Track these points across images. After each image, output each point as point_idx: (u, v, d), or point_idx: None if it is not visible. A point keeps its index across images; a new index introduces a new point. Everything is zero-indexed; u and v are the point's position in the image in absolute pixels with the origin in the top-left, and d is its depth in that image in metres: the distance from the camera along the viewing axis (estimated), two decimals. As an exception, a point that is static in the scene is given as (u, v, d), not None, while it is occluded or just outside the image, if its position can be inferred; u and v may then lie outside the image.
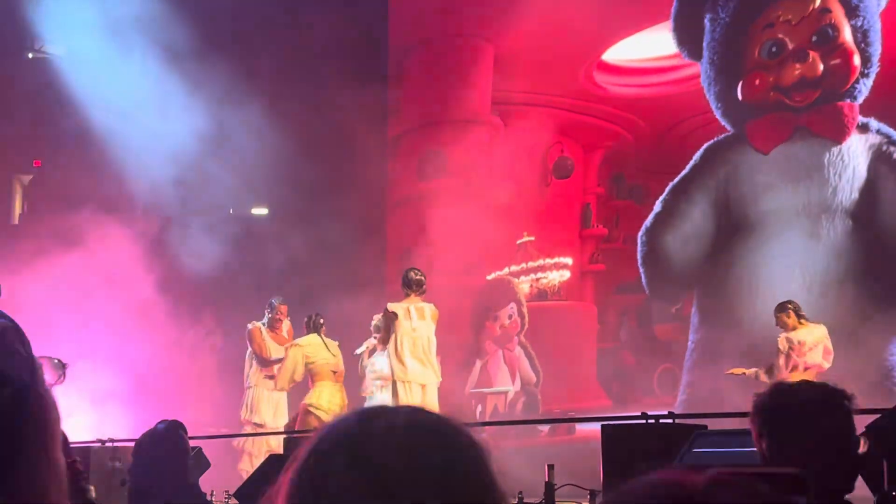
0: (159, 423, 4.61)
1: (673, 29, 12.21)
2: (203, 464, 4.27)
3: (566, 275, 13.05)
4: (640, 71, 12.79)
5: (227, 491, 8.19)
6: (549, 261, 13.13)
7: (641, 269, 12.27)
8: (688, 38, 12.10)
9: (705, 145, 12.02)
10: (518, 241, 13.41)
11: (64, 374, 1.67)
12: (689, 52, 12.09)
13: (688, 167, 12.08)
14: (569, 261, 13.05)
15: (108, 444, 7.43)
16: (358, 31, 13.84)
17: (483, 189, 13.63)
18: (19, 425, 1.33)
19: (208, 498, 5.10)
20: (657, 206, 12.23)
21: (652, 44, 12.57)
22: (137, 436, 4.53)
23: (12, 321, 1.44)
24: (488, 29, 13.89)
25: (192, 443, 4.66)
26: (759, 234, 11.35)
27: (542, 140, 13.24)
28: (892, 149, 10.85)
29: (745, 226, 11.50)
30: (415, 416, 1.08)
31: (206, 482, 5.61)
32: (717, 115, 11.83)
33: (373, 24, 14.60)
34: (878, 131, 10.93)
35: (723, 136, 11.91)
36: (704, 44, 11.98)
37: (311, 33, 13.79)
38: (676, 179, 12.14)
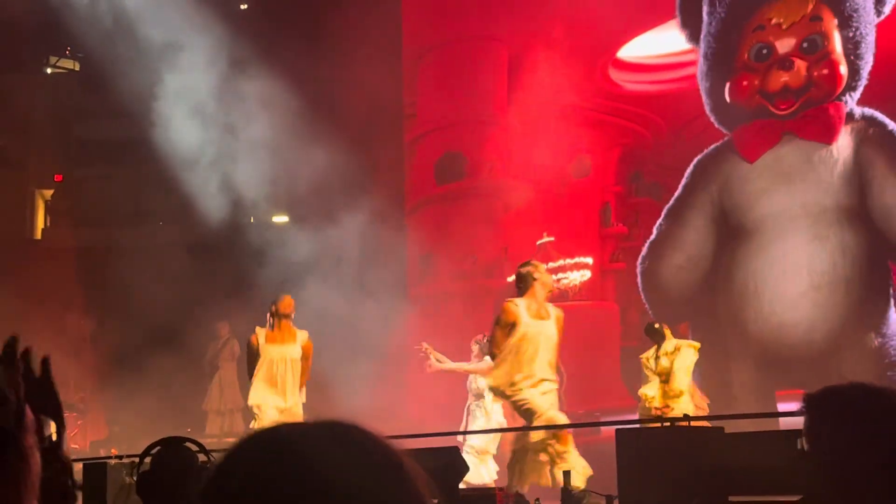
0: (167, 437, 4.58)
1: (678, 10, 12.13)
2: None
3: (587, 274, 12.96)
4: (656, 67, 12.68)
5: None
6: (569, 261, 13.04)
7: (643, 296, 12.24)
8: (689, 19, 12.02)
9: (695, 160, 11.98)
10: (538, 242, 13.32)
11: (57, 435, 1.65)
12: (690, 34, 12.04)
13: (680, 186, 12.05)
14: (589, 260, 12.96)
15: (125, 460, 7.42)
16: (373, 36, 13.80)
17: (501, 190, 13.56)
18: None
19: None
20: (653, 233, 12.17)
21: (666, 40, 12.47)
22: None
23: (10, 361, 1.43)
24: (502, 30, 13.83)
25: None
26: (760, 239, 11.27)
27: (560, 140, 13.15)
28: (875, 131, 10.74)
29: (743, 233, 11.42)
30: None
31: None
32: (707, 110, 11.78)
33: (387, 28, 14.56)
34: (861, 116, 10.83)
35: (712, 147, 11.87)
36: (702, 34, 11.88)
37: (327, 39, 13.78)
38: (671, 202, 12.11)
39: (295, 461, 0.98)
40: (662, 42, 12.58)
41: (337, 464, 0.98)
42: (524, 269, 8.49)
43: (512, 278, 13.47)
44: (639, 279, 12.32)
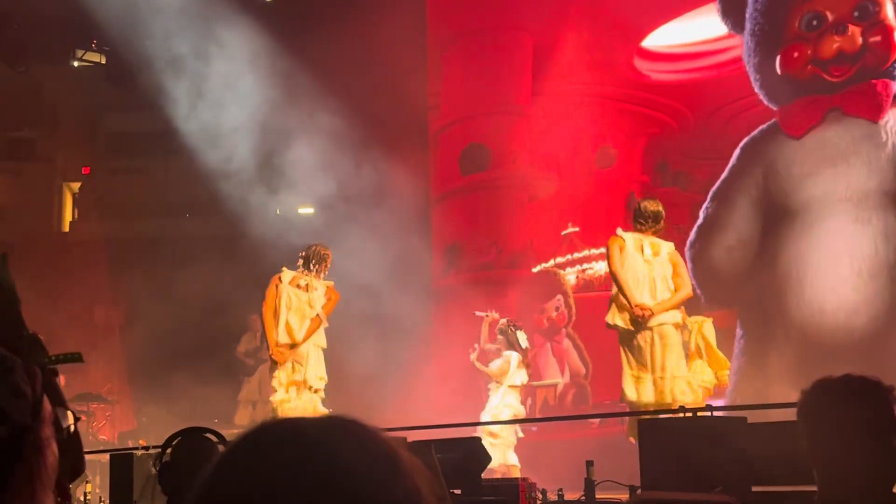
0: (188, 428, 4.59)
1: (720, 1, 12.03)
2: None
3: (612, 265, 12.89)
4: (681, 56, 12.61)
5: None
6: (594, 251, 12.99)
7: (693, 282, 12.13)
8: (732, 8, 11.90)
9: (741, 144, 11.82)
10: (563, 233, 13.30)
11: (74, 426, 1.67)
12: (733, 23, 11.90)
13: (726, 170, 11.91)
14: (615, 250, 12.89)
15: (151, 451, 7.46)
16: (397, 26, 13.79)
17: (526, 181, 13.53)
18: (10, 465, 1.34)
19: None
20: (700, 217, 12.05)
21: (692, 29, 12.40)
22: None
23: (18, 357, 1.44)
24: (526, 20, 13.78)
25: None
26: (803, 223, 11.17)
27: (584, 130, 13.11)
28: None
29: (787, 216, 11.32)
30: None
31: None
32: (755, 87, 11.62)
33: (412, 18, 14.55)
34: None
35: (757, 130, 11.72)
36: (747, 15, 11.78)
37: (352, 29, 13.79)
38: (717, 185, 11.97)
39: (293, 455, 0.99)
40: (688, 31, 12.50)
41: (335, 458, 0.99)
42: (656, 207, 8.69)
43: (539, 267, 13.53)
44: (688, 264, 12.17)
